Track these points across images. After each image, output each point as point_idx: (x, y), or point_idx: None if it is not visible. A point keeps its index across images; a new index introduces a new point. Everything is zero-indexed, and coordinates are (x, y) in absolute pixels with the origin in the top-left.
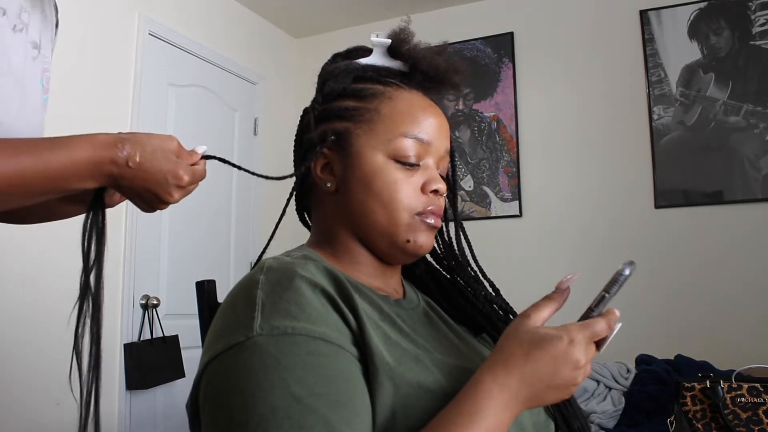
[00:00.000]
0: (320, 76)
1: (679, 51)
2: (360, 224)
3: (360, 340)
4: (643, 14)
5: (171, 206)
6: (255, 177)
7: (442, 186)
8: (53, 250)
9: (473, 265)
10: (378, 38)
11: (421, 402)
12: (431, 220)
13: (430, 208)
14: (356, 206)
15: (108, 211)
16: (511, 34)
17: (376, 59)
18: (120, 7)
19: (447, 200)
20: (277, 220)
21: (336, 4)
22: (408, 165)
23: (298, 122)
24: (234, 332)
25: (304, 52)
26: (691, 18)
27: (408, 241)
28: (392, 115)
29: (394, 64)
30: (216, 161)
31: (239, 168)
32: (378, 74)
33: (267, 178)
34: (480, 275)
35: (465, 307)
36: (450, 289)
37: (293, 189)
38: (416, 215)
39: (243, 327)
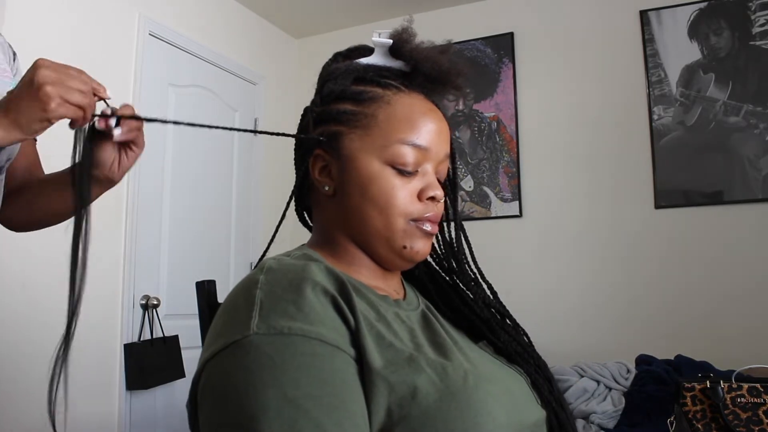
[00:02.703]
0: (320, 76)
1: (679, 51)
2: (357, 229)
3: (357, 340)
4: (643, 14)
5: (171, 206)
6: (255, 176)
7: (439, 193)
8: (53, 250)
9: (473, 268)
10: (380, 38)
11: (416, 402)
12: (427, 227)
13: (426, 215)
14: (353, 211)
15: (108, 211)
16: (511, 34)
17: (377, 59)
18: (120, 7)
19: (447, 202)
20: (278, 221)
21: (336, 4)
22: (405, 172)
23: (297, 122)
24: (232, 331)
25: (304, 52)
26: (691, 18)
27: (404, 247)
28: (390, 120)
29: (395, 64)
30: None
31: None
32: (379, 75)
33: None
34: (479, 278)
35: (463, 311)
36: (449, 292)
37: (294, 190)
38: (412, 221)
39: (241, 326)
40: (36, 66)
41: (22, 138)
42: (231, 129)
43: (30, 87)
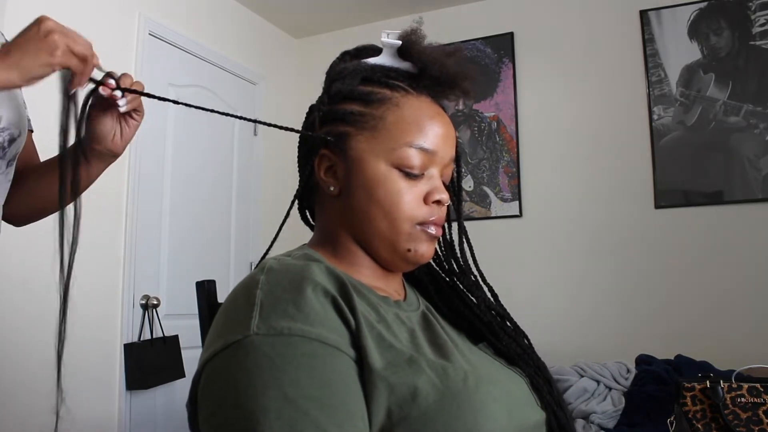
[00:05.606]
0: (328, 75)
1: (679, 51)
2: (362, 230)
3: (357, 341)
4: (643, 14)
5: (171, 206)
6: (255, 176)
7: (445, 196)
8: (51, 250)
9: (474, 270)
10: (388, 38)
11: (416, 403)
12: (432, 230)
13: (431, 218)
14: (358, 212)
15: (108, 211)
16: (511, 34)
17: (385, 59)
18: (120, 7)
19: (450, 205)
20: (281, 220)
21: (336, 4)
22: (412, 175)
23: (298, 122)
24: (232, 331)
25: (304, 52)
26: (691, 18)
27: (409, 250)
28: (398, 123)
29: (403, 65)
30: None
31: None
32: (386, 76)
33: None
34: (480, 281)
35: (465, 313)
36: (450, 294)
37: (298, 189)
38: (417, 225)
39: (241, 326)
40: (40, 19)
41: (19, 83)
42: (246, 119)
43: (37, 33)
